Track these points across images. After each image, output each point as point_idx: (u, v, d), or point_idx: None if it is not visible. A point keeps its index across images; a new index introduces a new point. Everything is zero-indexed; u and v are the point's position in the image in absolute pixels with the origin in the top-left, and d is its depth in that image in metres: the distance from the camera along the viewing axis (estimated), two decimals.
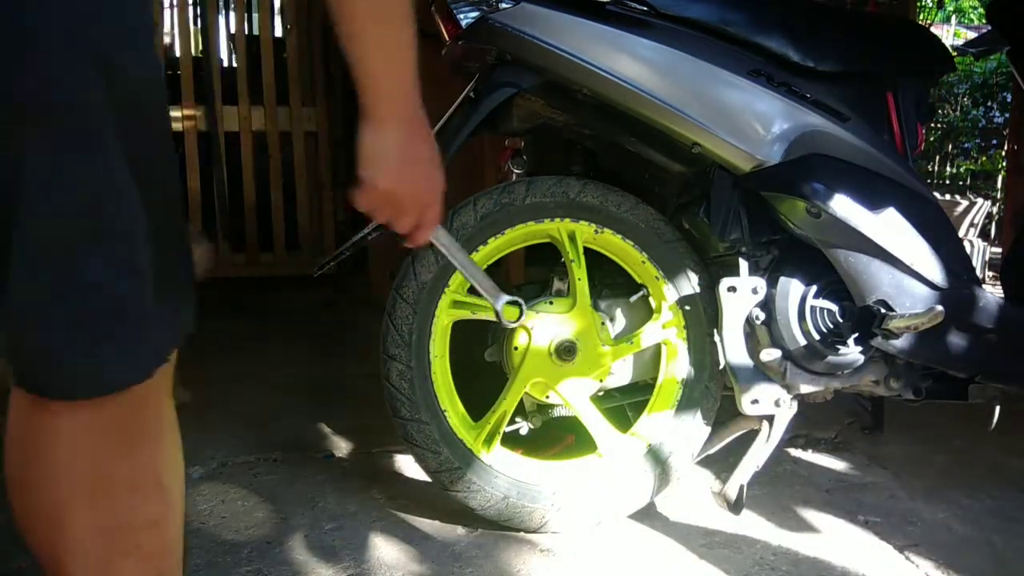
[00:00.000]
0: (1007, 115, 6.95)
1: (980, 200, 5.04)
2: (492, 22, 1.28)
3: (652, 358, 1.49)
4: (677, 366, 1.46)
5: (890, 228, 1.34)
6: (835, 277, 1.38)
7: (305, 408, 2.09)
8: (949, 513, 1.56)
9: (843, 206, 1.32)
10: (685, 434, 1.46)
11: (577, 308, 1.41)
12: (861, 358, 1.40)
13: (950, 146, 7.96)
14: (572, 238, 1.41)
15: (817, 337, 1.39)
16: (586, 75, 1.29)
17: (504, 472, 1.42)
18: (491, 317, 1.36)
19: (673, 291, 1.44)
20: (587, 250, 1.45)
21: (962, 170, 7.86)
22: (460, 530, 1.44)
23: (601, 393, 1.49)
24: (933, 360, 1.40)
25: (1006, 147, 6.54)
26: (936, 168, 8.01)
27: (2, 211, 0.62)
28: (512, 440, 1.51)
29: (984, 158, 7.49)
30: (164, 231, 0.70)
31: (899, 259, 1.34)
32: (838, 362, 1.40)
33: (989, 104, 7.64)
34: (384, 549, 1.38)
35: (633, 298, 1.48)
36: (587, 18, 1.28)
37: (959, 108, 8.02)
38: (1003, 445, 1.87)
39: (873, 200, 1.34)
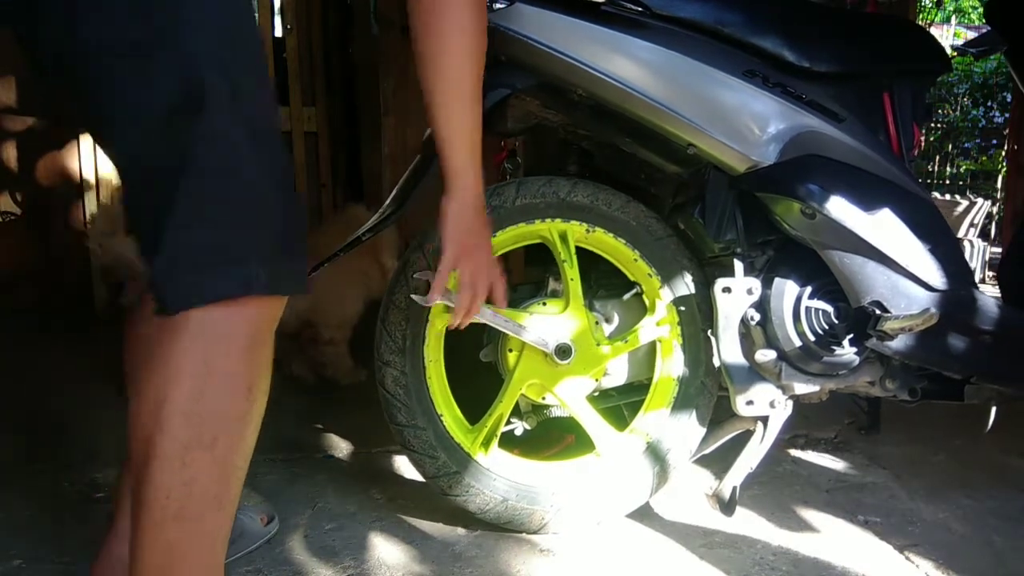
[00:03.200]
0: (1007, 115, 6.96)
1: (980, 200, 5.04)
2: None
3: (648, 357, 1.49)
4: (672, 363, 1.46)
5: (885, 229, 1.34)
6: (830, 278, 1.38)
7: (305, 408, 2.09)
8: (949, 513, 1.56)
9: (838, 207, 1.31)
10: (682, 431, 1.46)
11: (571, 308, 1.41)
12: (856, 359, 1.40)
13: (950, 146, 7.97)
14: (564, 238, 1.41)
15: (812, 338, 1.38)
16: (581, 76, 1.28)
17: (502, 474, 1.42)
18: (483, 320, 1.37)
19: (666, 288, 1.43)
20: (584, 250, 1.44)
21: (962, 170, 7.87)
22: (460, 530, 1.44)
23: (597, 393, 1.49)
24: (928, 361, 1.40)
25: (1006, 147, 6.54)
26: (936, 168, 8.02)
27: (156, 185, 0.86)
28: (512, 441, 1.51)
29: (984, 158, 7.50)
30: (280, 211, 0.92)
31: (894, 260, 1.34)
32: (833, 363, 1.40)
33: (989, 104, 7.66)
34: (384, 549, 1.38)
35: (626, 296, 1.48)
36: (581, 18, 1.28)
37: (959, 108, 8.03)
38: (1003, 445, 1.87)
39: (868, 201, 1.34)
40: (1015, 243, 1.82)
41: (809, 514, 1.54)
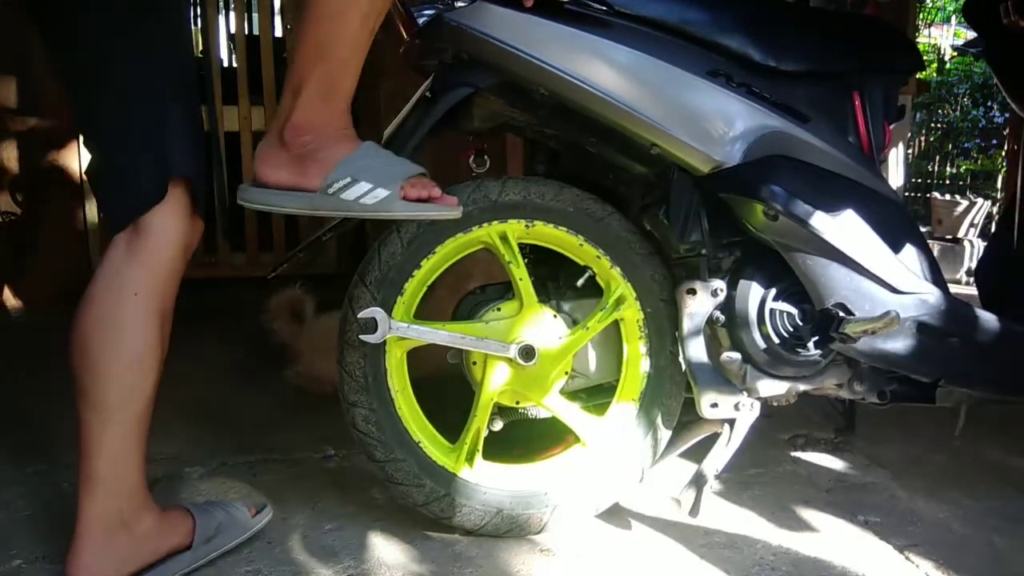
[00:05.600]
0: (1007, 115, 6.95)
1: (980, 200, 5.04)
2: (447, 20, 1.26)
3: (615, 353, 1.47)
4: (639, 338, 1.44)
5: (849, 231, 1.33)
6: (795, 280, 1.36)
7: (305, 408, 2.09)
8: (949, 513, 1.56)
9: (800, 209, 1.30)
10: (663, 402, 1.45)
11: (525, 308, 1.39)
12: (822, 361, 1.39)
13: (950, 146, 7.95)
14: (504, 239, 1.39)
15: (777, 340, 1.38)
16: (542, 75, 1.27)
17: (493, 486, 1.40)
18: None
19: (617, 266, 1.41)
20: (555, 252, 1.44)
21: (962, 170, 7.85)
22: None
23: (566, 392, 1.48)
24: (894, 364, 1.39)
25: (1006, 147, 6.54)
26: (936, 168, 8.01)
27: None
28: (511, 447, 1.50)
29: (984, 158, 7.48)
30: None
31: (858, 262, 1.32)
32: (799, 365, 1.39)
33: (989, 104, 7.64)
34: (384, 549, 1.38)
35: (579, 282, 1.46)
36: (543, 17, 1.26)
37: (959, 108, 8.02)
38: (1003, 445, 1.87)
39: (832, 202, 1.33)
40: (992, 243, 1.81)
41: (809, 514, 1.54)
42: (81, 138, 1.24)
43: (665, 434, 1.46)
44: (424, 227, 1.35)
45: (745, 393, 1.39)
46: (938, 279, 1.40)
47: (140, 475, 1.21)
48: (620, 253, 1.42)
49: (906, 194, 6.46)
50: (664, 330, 1.44)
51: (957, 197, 5.34)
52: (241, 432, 1.91)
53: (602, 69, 1.28)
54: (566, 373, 1.43)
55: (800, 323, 1.39)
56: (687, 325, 1.38)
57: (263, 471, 1.70)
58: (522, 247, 1.48)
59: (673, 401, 1.46)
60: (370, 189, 1.16)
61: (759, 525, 1.49)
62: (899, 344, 1.36)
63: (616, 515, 1.51)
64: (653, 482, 1.58)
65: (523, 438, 1.56)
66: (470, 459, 1.40)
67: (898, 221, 1.39)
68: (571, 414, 1.44)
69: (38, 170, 3.12)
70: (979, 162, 7.55)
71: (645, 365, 1.45)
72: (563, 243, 1.43)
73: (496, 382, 1.39)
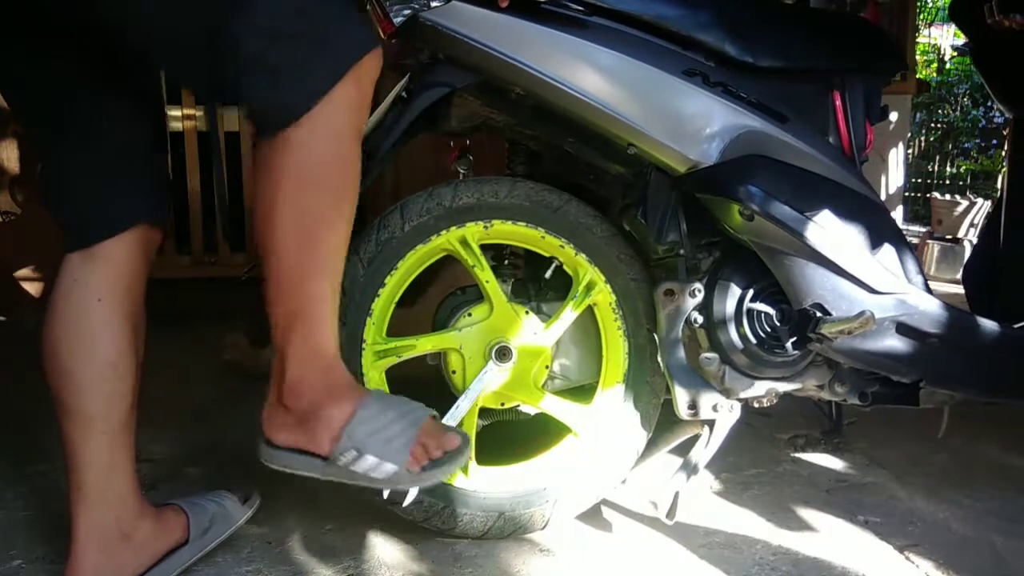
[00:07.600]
0: (1007, 115, 6.96)
1: (980, 200, 5.04)
2: (423, 20, 1.26)
3: (594, 353, 1.48)
4: (615, 320, 1.44)
5: (826, 230, 1.32)
6: (773, 280, 1.36)
7: None
8: (949, 513, 1.56)
9: (777, 209, 1.30)
10: (648, 380, 1.45)
11: (496, 309, 1.39)
12: (802, 362, 1.39)
13: (950, 146, 7.96)
14: (465, 243, 1.38)
15: (754, 341, 1.37)
16: (517, 74, 1.27)
17: (491, 491, 1.40)
18: (417, 353, 1.38)
19: (581, 252, 1.41)
20: (536, 256, 1.44)
21: (962, 170, 7.86)
22: None
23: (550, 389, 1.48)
24: (873, 364, 1.38)
25: (1006, 147, 6.55)
26: (936, 168, 8.02)
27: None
28: (513, 447, 1.50)
29: (984, 158, 7.49)
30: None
31: (834, 262, 1.32)
32: (777, 366, 1.39)
33: (989, 104, 7.65)
34: (384, 549, 1.38)
35: (547, 273, 1.46)
36: (518, 16, 1.26)
37: (959, 108, 8.03)
38: (1003, 445, 1.87)
39: (809, 202, 1.32)
40: (979, 244, 1.81)
41: (809, 514, 1.54)
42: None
43: (654, 412, 1.46)
44: (382, 244, 1.34)
45: (724, 394, 1.39)
46: (918, 279, 1.40)
47: (131, 481, 1.20)
48: (582, 239, 1.41)
49: (906, 194, 6.47)
50: (638, 309, 1.44)
51: (957, 197, 5.35)
52: (240, 432, 1.91)
53: (577, 69, 1.27)
54: (547, 368, 1.43)
55: (778, 323, 1.38)
56: (665, 326, 1.38)
57: (263, 471, 1.69)
58: (504, 250, 1.49)
59: (657, 378, 1.45)
60: (377, 464, 1.09)
61: (759, 525, 1.49)
62: (878, 344, 1.35)
63: (615, 515, 1.51)
64: (651, 482, 1.58)
65: (520, 437, 1.56)
66: (464, 468, 1.39)
67: (877, 221, 1.39)
68: (558, 407, 1.44)
69: (38, 170, 3.12)
70: (979, 162, 7.55)
71: (625, 346, 1.45)
72: (525, 238, 1.42)
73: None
